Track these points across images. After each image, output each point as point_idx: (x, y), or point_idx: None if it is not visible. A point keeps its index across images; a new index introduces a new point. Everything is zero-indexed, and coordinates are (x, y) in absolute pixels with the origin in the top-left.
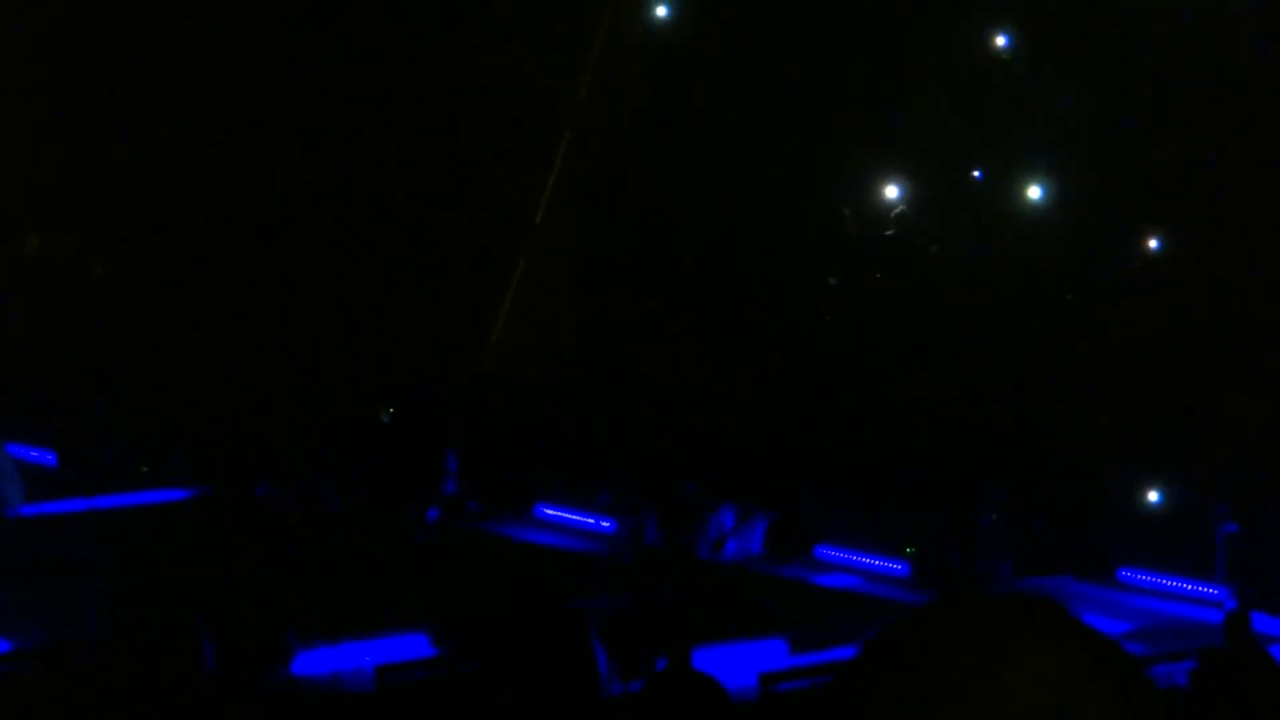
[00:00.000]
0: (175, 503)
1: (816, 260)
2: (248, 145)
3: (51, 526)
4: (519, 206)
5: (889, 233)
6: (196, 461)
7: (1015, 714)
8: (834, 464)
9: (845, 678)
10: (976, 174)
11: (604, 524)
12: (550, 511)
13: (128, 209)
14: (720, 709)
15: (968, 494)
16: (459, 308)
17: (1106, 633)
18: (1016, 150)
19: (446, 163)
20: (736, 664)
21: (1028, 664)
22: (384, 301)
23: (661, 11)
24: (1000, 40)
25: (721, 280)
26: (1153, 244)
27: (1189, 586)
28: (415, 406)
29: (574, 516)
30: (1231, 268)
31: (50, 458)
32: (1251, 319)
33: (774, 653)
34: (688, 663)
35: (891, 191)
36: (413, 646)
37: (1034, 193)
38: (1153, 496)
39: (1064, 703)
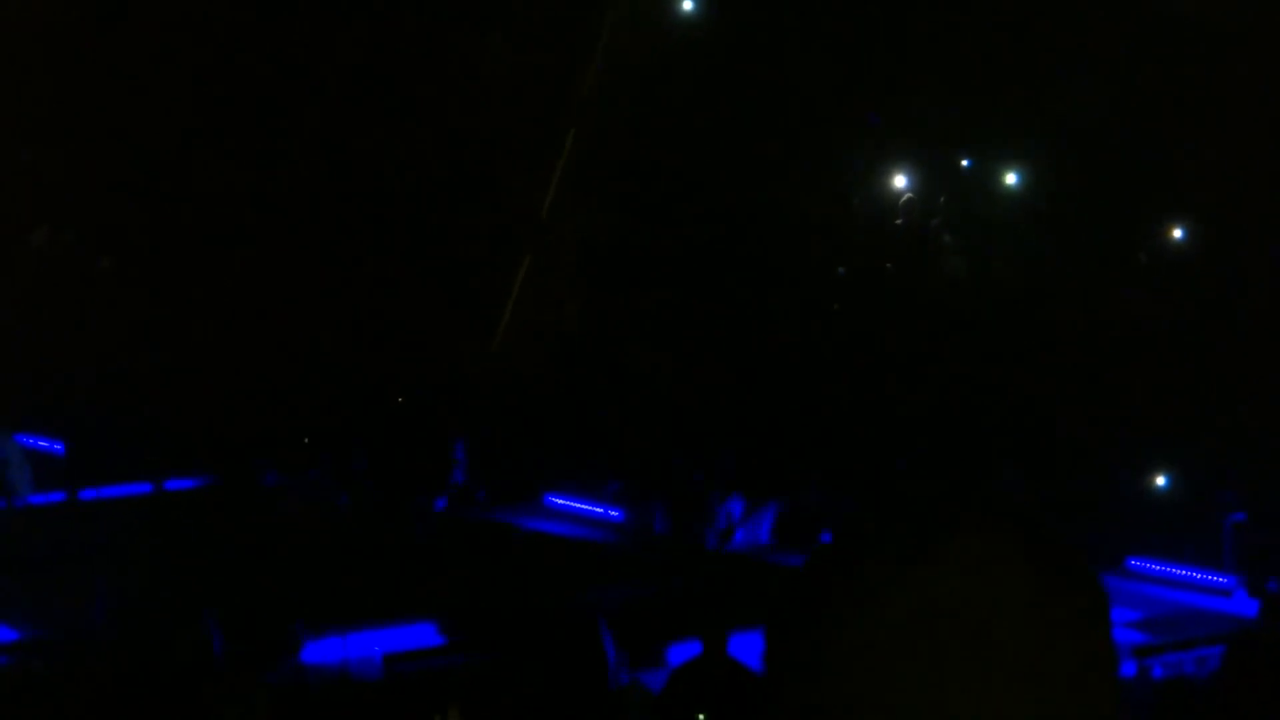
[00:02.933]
0: (183, 492)
1: (825, 251)
2: (255, 138)
3: (59, 516)
4: (526, 199)
5: (898, 222)
6: (204, 451)
7: (941, 606)
8: (842, 453)
9: (788, 588)
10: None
11: (612, 513)
12: (559, 501)
13: (134, 201)
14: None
15: (975, 481)
16: (466, 299)
17: (1057, 533)
18: (1028, 141)
19: (453, 156)
20: (744, 653)
21: (956, 555)
22: (391, 293)
23: (667, 4)
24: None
25: (729, 271)
26: (1161, 236)
27: (1197, 575)
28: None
29: (582, 506)
30: (1240, 259)
31: (58, 447)
32: (1258, 310)
33: None
34: (724, 650)
35: (900, 181)
36: (421, 635)
37: (1044, 183)
38: (1160, 485)
39: (995, 594)
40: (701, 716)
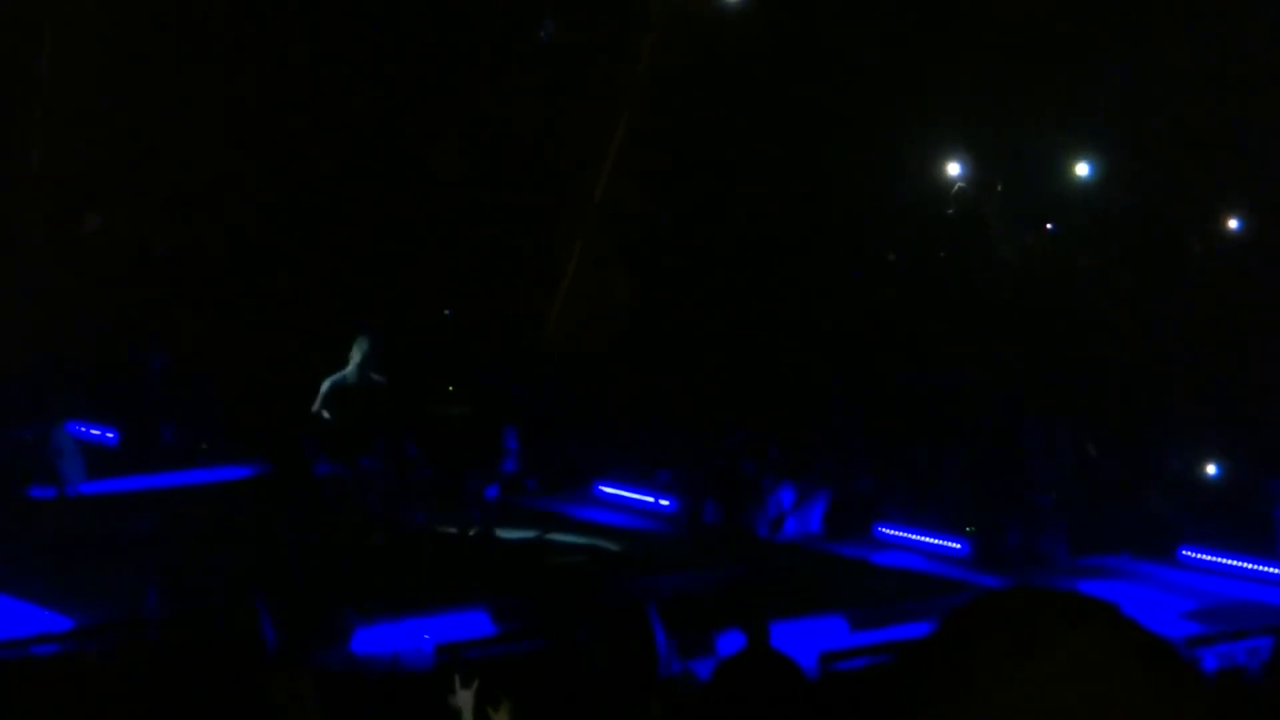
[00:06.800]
0: (234, 481)
1: (877, 238)
2: (307, 123)
3: (112, 504)
4: (578, 184)
5: (949, 211)
6: (255, 440)
7: (1051, 704)
8: (893, 442)
9: (895, 669)
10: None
11: (663, 502)
12: (609, 490)
13: (187, 188)
14: (797, 689)
15: (1026, 473)
16: (518, 284)
17: (1164, 635)
18: (1084, 126)
19: (506, 139)
20: (796, 642)
21: (1068, 655)
22: (443, 278)
23: None
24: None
25: (781, 257)
26: (1218, 224)
27: (1250, 566)
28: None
29: (633, 495)
30: None
31: (110, 436)
32: None
33: (834, 631)
34: (766, 642)
35: (954, 168)
36: (472, 624)
37: (1098, 169)
38: (1213, 474)
39: (1103, 696)
40: None
